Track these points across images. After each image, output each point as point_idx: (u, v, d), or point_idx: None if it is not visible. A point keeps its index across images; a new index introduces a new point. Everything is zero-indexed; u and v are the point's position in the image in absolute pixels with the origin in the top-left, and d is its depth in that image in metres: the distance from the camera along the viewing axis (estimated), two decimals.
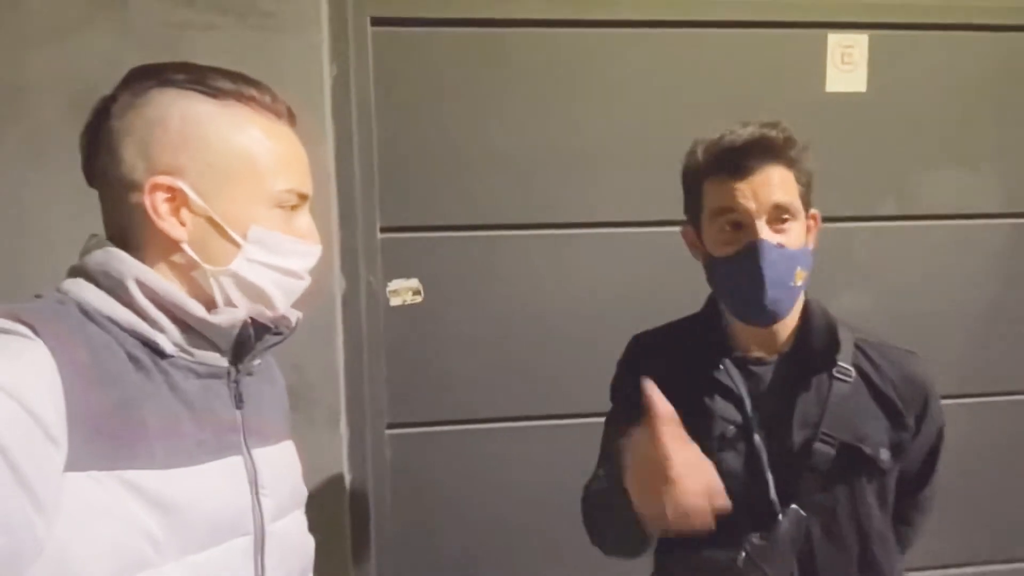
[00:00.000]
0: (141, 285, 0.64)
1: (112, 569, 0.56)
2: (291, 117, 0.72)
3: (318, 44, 1.34)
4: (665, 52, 1.50)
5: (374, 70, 1.42)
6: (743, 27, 1.51)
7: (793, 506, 0.93)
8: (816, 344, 0.97)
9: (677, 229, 1.53)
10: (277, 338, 0.72)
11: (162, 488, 0.59)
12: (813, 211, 0.98)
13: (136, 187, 0.64)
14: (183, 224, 0.65)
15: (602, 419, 1.56)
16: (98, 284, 0.64)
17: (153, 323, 0.64)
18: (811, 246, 0.97)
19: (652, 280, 1.54)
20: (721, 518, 0.86)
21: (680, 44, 1.51)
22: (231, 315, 0.67)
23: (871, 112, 1.56)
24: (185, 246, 0.65)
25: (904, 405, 0.97)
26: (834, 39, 1.51)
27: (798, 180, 0.92)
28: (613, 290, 1.55)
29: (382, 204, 1.45)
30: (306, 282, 0.74)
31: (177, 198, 0.64)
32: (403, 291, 1.50)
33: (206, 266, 0.66)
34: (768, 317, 0.92)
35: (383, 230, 1.47)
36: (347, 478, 1.47)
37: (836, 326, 0.98)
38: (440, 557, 1.57)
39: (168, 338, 0.65)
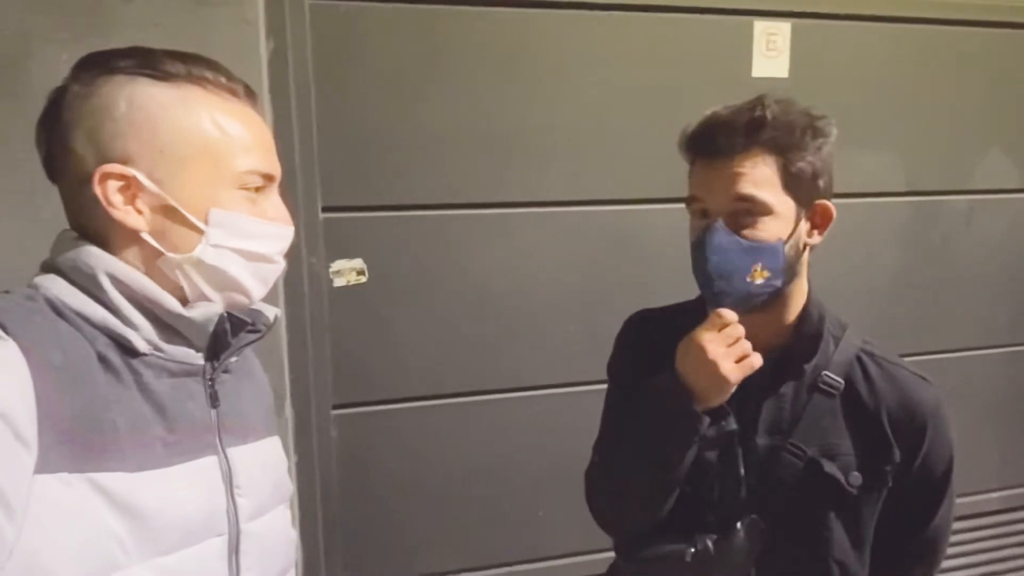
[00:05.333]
0: (113, 280, 0.62)
1: (82, 571, 0.55)
2: (250, 96, 0.70)
3: (254, 18, 1.29)
4: (601, 35, 1.54)
5: (312, 46, 1.38)
6: (676, 12, 1.56)
7: (753, 516, 0.88)
8: (797, 351, 0.90)
9: (617, 208, 1.60)
10: (254, 335, 0.71)
11: (131, 491, 0.58)
12: (822, 202, 0.86)
13: (89, 179, 0.62)
14: (140, 213, 0.63)
15: (547, 391, 1.63)
16: (70, 280, 0.62)
17: (126, 320, 0.62)
18: (812, 239, 0.88)
19: (594, 258, 1.60)
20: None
21: (615, 27, 1.54)
22: (206, 309, 0.66)
23: (793, 97, 1.65)
24: (145, 235, 0.63)
25: (894, 433, 0.88)
26: (760, 26, 1.59)
27: (784, 168, 0.82)
28: (555, 268, 1.59)
29: (323, 184, 1.43)
30: (279, 266, 0.72)
31: (131, 186, 0.63)
32: (346, 271, 1.49)
33: (169, 254, 0.64)
34: (718, 307, 0.84)
35: (325, 210, 1.45)
36: (293, 460, 1.46)
37: (821, 338, 0.90)
38: (389, 536, 1.59)
39: (141, 335, 0.63)
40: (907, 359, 0.96)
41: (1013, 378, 1.92)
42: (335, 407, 1.52)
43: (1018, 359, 1.92)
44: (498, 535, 1.64)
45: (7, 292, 0.62)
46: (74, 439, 0.56)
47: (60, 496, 0.55)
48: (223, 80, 0.67)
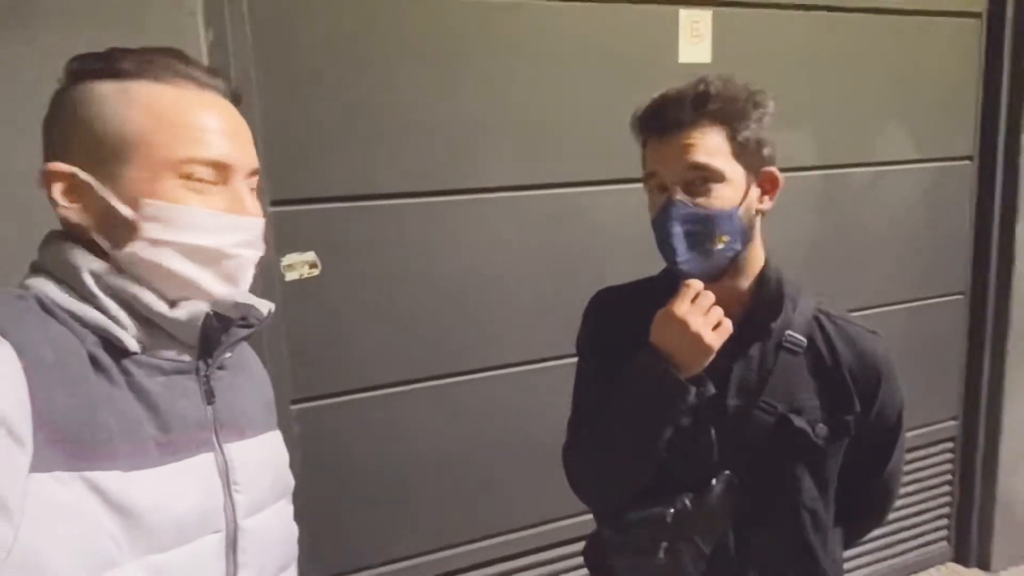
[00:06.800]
0: (97, 279, 0.62)
1: (79, 567, 0.55)
2: (214, 84, 0.66)
3: (191, 6, 1.25)
4: (542, 24, 1.58)
5: (253, 34, 1.36)
6: (609, 2, 1.63)
7: (727, 472, 0.92)
8: (761, 313, 0.94)
9: (564, 191, 1.66)
10: (246, 330, 0.70)
11: (124, 490, 0.58)
12: (769, 169, 0.91)
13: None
14: (86, 210, 0.62)
15: (499, 372, 1.67)
16: (57, 280, 0.62)
17: (114, 319, 0.62)
18: (763, 205, 0.92)
19: (544, 240, 1.65)
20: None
21: (553, 17, 1.59)
22: (192, 308, 0.64)
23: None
24: (93, 233, 0.63)
25: (854, 385, 0.94)
26: (684, 14, 1.69)
27: (731, 137, 0.87)
28: (507, 252, 1.63)
29: (271, 177, 1.40)
30: (242, 259, 0.67)
31: (73, 184, 0.62)
32: (299, 265, 1.47)
33: (112, 251, 0.63)
34: (686, 277, 0.88)
35: (273, 203, 1.42)
36: None
37: (783, 298, 0.94)
38: (357, 527, 1.59)
39: (130, 334, 0.62)
40: None
41: (919, 329, 2.13)
42: (294, 402, 1.50)
43: (922, 312, 2.14)
44: (464, 514, 1.67)
45: None
46: (68, 437, 0.56)
47: (55, 494, 0.54)
48: (181, 67, 0.65)
